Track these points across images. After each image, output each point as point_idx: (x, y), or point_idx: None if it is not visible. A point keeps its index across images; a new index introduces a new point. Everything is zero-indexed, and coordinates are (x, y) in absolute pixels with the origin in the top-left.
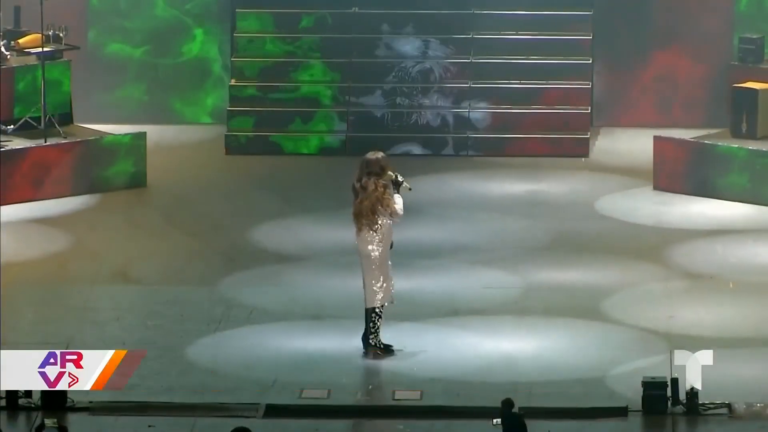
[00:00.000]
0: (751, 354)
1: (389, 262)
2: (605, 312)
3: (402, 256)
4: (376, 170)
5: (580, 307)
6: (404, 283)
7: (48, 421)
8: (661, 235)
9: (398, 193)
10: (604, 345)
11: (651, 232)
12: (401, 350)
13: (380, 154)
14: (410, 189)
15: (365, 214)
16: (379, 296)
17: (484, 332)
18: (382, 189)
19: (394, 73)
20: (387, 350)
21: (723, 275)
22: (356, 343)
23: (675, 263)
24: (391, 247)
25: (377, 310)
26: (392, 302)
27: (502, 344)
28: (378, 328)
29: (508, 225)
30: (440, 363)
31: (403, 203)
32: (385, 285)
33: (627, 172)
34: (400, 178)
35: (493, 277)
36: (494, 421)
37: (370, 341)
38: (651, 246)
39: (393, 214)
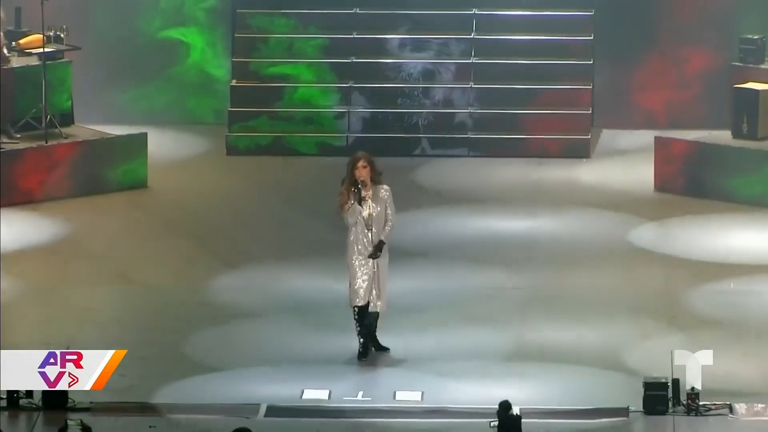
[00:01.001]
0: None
1: (371, 268)
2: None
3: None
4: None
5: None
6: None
7: (71, 422)
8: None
9: (360, 204)
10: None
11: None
12: (387, 349)
13: (354, 154)
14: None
15: None
16: (351, 296)
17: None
18: (340, 187)
19: (395, 74)
20: (365, 349)
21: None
22: (356, 343)
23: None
24: (376, 252)
25: (354, 308)
26: (373, 308)
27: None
28: (357, 325)
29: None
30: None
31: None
32: (354, 287)
33: (628, 177)
34: (362, 191)
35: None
36: (491, 423)
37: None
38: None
39: (337, 211)
